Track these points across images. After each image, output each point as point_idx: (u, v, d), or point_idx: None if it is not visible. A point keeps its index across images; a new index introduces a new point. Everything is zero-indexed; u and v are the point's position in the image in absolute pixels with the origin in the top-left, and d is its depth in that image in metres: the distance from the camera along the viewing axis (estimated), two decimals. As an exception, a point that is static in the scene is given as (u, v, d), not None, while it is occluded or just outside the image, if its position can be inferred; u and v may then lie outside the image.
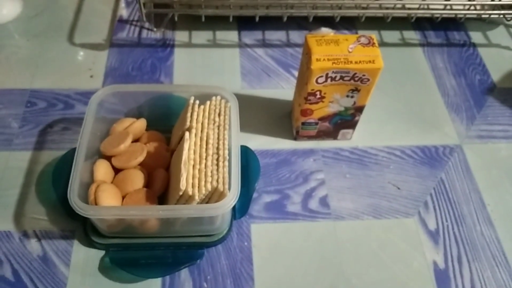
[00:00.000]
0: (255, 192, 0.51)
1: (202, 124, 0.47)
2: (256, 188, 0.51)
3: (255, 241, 0.49)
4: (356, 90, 0.48)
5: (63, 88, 0.60)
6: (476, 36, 0.71)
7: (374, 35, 0.49)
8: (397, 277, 0.47)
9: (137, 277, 0.45)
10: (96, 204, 0.43)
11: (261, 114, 0.59)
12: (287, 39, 0.68)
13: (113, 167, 0.48)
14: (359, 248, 0.49)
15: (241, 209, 0.50)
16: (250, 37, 0.68)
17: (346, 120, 0.53)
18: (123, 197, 0.45)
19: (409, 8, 0.64)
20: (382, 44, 0.68)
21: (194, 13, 0.62)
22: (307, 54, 0.47)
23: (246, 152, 0.52)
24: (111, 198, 0.44)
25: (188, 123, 0.46)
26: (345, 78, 0.47)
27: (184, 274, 0.46)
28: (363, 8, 0.64)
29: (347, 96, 0.49)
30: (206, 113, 0.48)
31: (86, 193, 0.44)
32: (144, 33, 0.67)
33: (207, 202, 0.43)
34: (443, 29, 0.71)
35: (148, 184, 0.47)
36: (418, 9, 0.65)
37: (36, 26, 0.67)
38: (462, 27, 0.72)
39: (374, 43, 0.48)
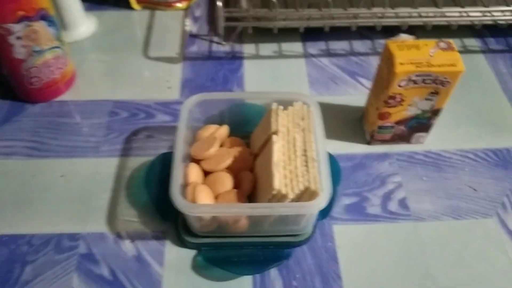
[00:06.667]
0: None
1: (287, 128, 0.49)
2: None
3: (338, 242, 0.50)
4: (435, 93, 0.50)
5: (143, 99, 0.63)
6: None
7: (451, 40, 0.50)
8: (483, 277, 0.47)
9: (229, 275, 0.47)
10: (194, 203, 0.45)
11: (332, 120, 0.60)
12: (350, 49, 0.70)
13: (202, 170, 0.50)
14: (442, 249, 0.49)
15: (323, 211, 0.51)
16: (315, 47, 0.70)
17: (421, 124, 0.54)
18: (215, 198, 0.48)
19: (472, 16, 0.66)
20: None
21: (266, 26, 0.65)
22: (388, 59, 0.49)
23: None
24: (207, 198, 0.46)
25: (273, 127, 0.49)
26: (427, 81, 0.48)
27: (274, 273, 0.48)
28: (429, 17, 0.65)
29: (426, 99, 0.51)
30: (290, 117, 0.50)
31: (181, 193, 0.46)
32: (214, 46, 0.70)
33: (297, 201, 0.45)
34: (503, 35, 0.72)
35: (236, 186, 0.49)
36: (481, 16, 0.66)
37: (112, 42, 0.71)
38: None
39: (453, 48, 0.49)
